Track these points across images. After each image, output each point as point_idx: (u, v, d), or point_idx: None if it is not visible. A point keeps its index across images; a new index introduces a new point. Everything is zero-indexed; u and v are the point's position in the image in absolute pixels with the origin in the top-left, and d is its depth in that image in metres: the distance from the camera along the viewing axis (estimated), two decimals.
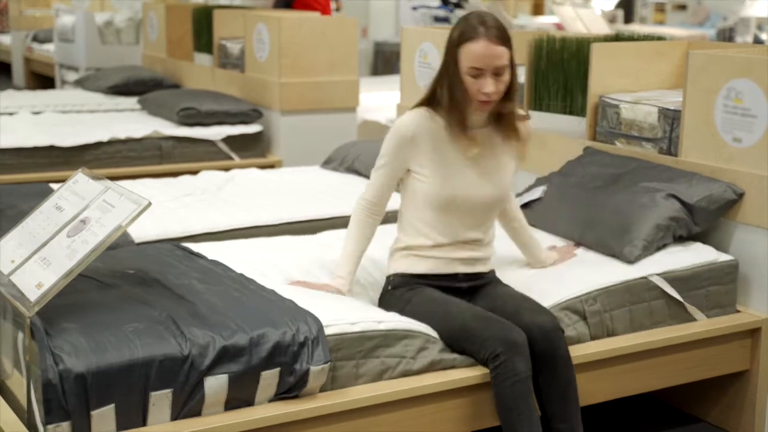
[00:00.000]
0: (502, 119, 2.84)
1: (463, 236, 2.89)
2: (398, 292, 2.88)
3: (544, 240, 3.38)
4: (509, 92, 2.80)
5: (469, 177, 2.85)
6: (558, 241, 3.41)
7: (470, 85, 2.73)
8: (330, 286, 2.92)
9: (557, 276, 3.12)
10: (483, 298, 2.91)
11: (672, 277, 3.16)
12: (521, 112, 2.93)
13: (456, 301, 2.82)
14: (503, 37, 2.72)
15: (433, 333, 2.75)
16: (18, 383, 2.37)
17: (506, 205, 3.10)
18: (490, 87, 2.72)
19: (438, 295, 2.84)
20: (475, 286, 2.94)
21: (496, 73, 2.72)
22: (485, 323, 2.68)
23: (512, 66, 2.78)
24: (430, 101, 2.85)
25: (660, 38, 4.23)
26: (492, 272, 3.02)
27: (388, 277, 2.96)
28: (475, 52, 2.70)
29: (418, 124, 2.82)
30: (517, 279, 3.09)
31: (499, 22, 2.75)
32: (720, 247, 3.34)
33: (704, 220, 3.30)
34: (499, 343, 2.62)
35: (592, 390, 3.00)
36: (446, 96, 2.78)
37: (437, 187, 2.82)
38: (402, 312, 2.82)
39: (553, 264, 3.22)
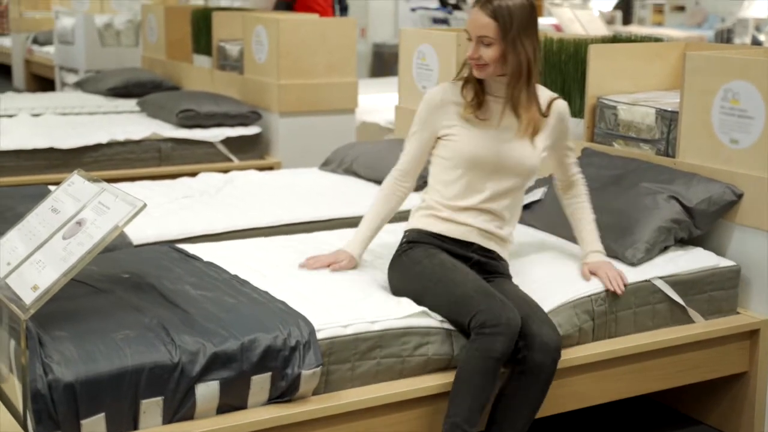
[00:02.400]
0: (512, 97, 2.92)
1: (484, 205, 2.94)
2: (412, 252, 2.93)
3: (549, 241, 3.41)
4: (516, 72, 2.86)
5: (493, 141, 2.93)
6: (567, 245, 3.37)
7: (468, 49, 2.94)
8: (342, 252, 3.05)
9: (566, 273, 3.11)
10: (494, 287, 2.89)
11: (676, 281, 3.16)
12: (544, 98, 2.99)
13: (465, 271, 2.85)
14: (494, 11, 2.82)
15: (432, 323, 2.73)
16: (14, 387, 2.36)
17: (571, 185, 3.18)
18: (471, 51, 2.89)
19: (449, 262, 2.87)
20: (487, 269, 2.94)
21: (483, 43, 2.85)
22: (486, 296, 2.69)
23: (512, 44, 2.83)
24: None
25: (658, 39, 4.23)
26: (506, 264, 3.02)
27: (405, 232, 3.02)
28: (468, 18, 2.93)
29: (444, 92, 3.00)
30: (528, 273, 3.09)
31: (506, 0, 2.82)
32: (719, 250, 3.34)
33: (705, 223, 3.30)
34: (491, 316, 2.62)
35: (591, 392, 3.00)
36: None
37: (462, 144, 2.94)
38: (410, 272, 2.88)
39: (597, 260, 3.11)
